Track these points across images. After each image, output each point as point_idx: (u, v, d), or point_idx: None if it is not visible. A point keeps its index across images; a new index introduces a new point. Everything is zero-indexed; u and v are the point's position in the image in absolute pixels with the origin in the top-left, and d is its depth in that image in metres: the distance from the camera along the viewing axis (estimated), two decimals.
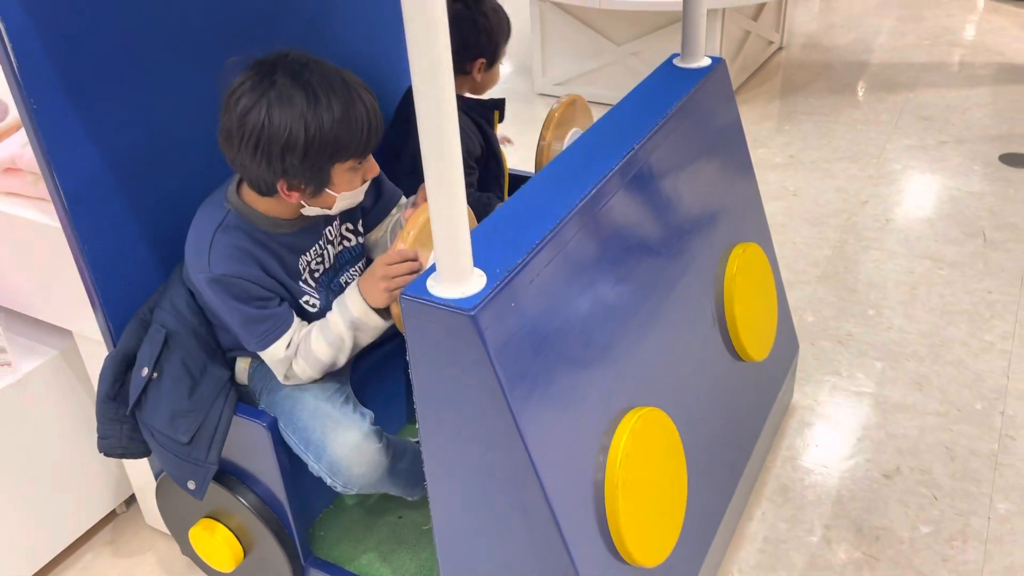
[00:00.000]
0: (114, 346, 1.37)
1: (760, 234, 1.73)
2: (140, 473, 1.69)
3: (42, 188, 1.37)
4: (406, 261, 1.21)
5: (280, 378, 1.31)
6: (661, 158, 1.40)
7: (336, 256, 1.38)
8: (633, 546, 1.18)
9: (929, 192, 2.82)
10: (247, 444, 1.37)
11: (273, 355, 1.27)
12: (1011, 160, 2.96)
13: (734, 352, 1.58)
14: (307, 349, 1.28)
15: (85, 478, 1.67)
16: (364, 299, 1.25)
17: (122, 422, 1.36)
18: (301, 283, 1.31)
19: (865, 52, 4.02)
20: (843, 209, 2.73)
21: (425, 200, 1.28)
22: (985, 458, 1.78)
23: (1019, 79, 3.61)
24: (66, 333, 1.57)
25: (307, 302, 1.32)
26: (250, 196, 1.27)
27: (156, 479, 1.53)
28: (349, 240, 1.41)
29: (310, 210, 1.26)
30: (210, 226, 1.24)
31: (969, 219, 2.63)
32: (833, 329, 2.19)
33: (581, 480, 1.15)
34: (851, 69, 3.83)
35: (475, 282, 1.02)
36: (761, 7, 3.67)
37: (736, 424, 1.61)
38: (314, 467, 1.30)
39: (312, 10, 1.60)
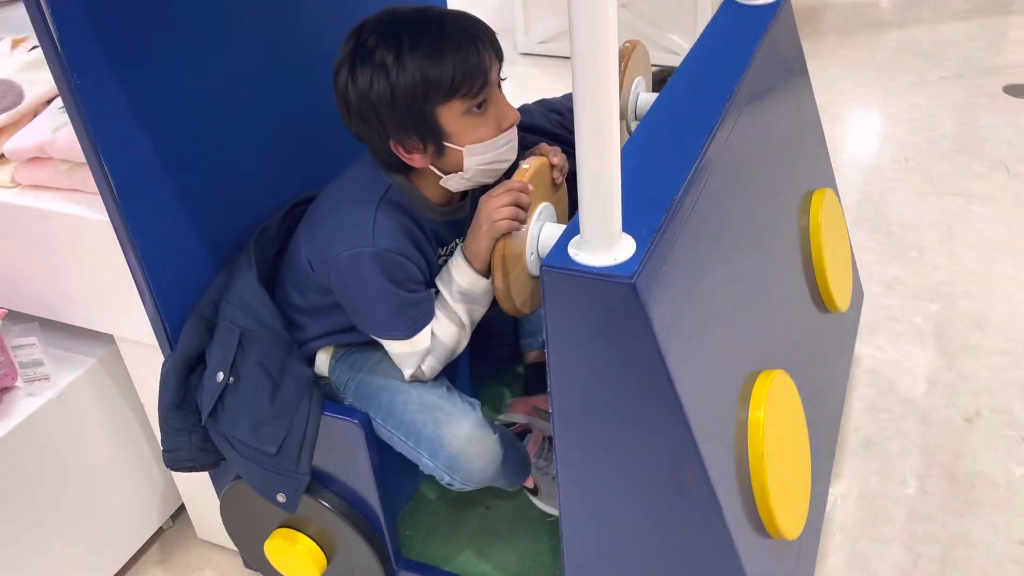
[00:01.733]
0: (171, 348, 1.24)
1: (831, 179, 1.65)
2: (188, 482, 1.56)
3: (76, 178, 1.22)
4: (510, 192, 1.07)
5: (407, 374, 1.18)
6: (753, 104, 1.30)
7: None
8: (781, 519, 1.10)
9: (941, 128, 2.77)
10: (333, 444, 1.25)
11: (417, 344, 1.14)
12: (1015, 91, 2.93)
13: (821, 305, 1.50)
14: (436, 340, 1.16)
15: (131, 495, 1.53)
16: (469, 264, 1.12)
17: (191, 432, 1.23)
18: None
19: None
20: (860, 152, 2.68)
21: (543, 154, 1.16)
22: None
23: (1005, 9, 3.59)
24: (103, 339, 1.41)
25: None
26: (409, 176, 1.14)
27: (220, 492, 1.40)
28: None
29: (451, 178, 1.12)
30: (371, 199, 1.10)
31: (988, 153, 2.60)
32: (879, 274, 2.13)
33: (728, 454, 1.06)
34: (841, 9, 3.77)
35: (625, 247, 0.91)
36: None
37: (829, 380, 1.54)
38: (428, 464, 1.18)
39: None
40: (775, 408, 1.12)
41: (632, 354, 0.93)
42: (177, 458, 1.24)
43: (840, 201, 1.68)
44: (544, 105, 1.52)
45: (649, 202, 0.99)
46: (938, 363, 1.85)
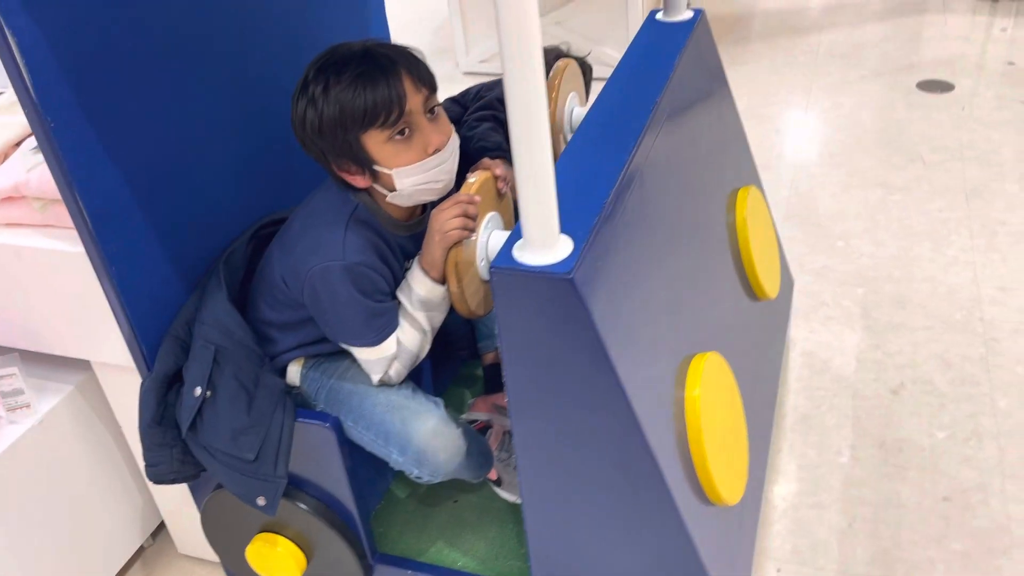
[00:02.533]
0: (148, 370, 1.31)
1: (755, 177, 1.79)
2: (168, 499, 1.63)
3: (50, 214, 1.30)
4: (458, 204, 1.17)
5: (376, 379, 1.28)
6: (677, 112, 1.43)
7: None
8: (721, 486, 1.21)
9: (862, 124, 2.95)
10: (308, 448, 1.34)
11: (384, 351, 1.24)
12: (928, 87, 3.13)
13: (752, 293, 1.63)
14: (401, 347, 1.25)
15: (112, 515, 1.59)
16: (426, 273, 1.22)
17: (171, 446, 1.31)
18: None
19: (772, 1, 4.16)
20: (787, 150, 2.84)
21: (486, 168, 1.26)
22: (977, 362, 1.90)
23: (914, 9, 3.80)
24: (80, 365, 1.48)
25: None
26: (373, 192, 1.24)
27: (200, 504, 1.47)
28: None
29: (395, 196, 1.21)
30: (340, 217, 1.20)
31: (905, 145, 2.78)
32: (810, 264, 2.28)
33: (669, 430, 1.17)
34: (763, 17, 3.96)
35: (563, 246, 1.02)
36: None
37: (764, 361, 1.66)
38: (397, 460, 1.27)
39: None
40: (709, 386, 1.24)
41: (576, 344, 1.04)
42: (159, 472, 1.32)
43: (765, 197, 1.82)
44: (478, 108, 1.60)
45: (584, 205, 1.10)
46: (866, 342, 2.00)
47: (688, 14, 1.65)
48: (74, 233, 1.21)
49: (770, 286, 1.66)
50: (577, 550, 1.26)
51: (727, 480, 1.25)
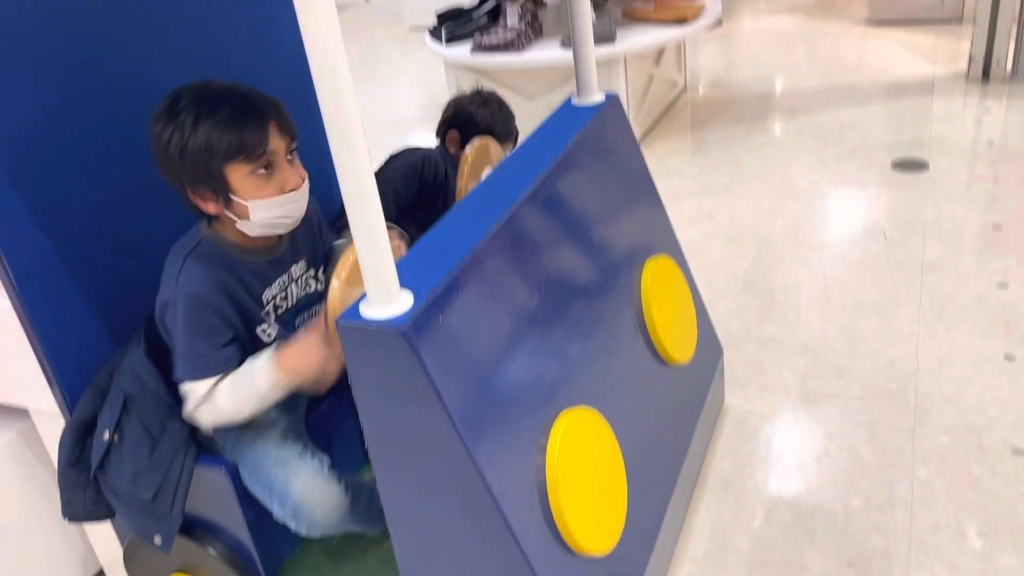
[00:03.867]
0: (70, 417, 1.44)
1: (670, 247, 1.87)
2: (107, 547, 1.73)
3: None
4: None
5: (186, 411, 1.35)
6: (566, 184, 1.54)
7: (299, 297, 1.47)
8: (580, 535, 1.27)
9: (832, 201, 3.02)
10: (210, 492, 1.44)
11: (193, 390, 1.33)
12: (901, 166, 3.19)
13: (659, 356, 1.70)
14: (213, 399, 1.33)
15: (51, 560, 1.70)
16: (278, 372, 1.30)
17: (85, 487, 1.42)
18: (263, 314, 1.40)
19: (763, 84, 4.30)
20: (756, 225, 2.92)
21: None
22: (903, 431, 1.92)
23: (902, 93, 3.89)
24: (21, 413, 1.62)
25: (264, 331, 1.41)
26: (217, 225, 1.37)
27: (123, 545, 1.57)
28: (310, 285, 1.50)
29: (245, 225, 1.33)
30: (181, 253, 1.34)
31: (870, 221, 2.84)
32: (757, 334, 2.34)
33: (525, 481, 1.24)
34: (752, 100, 4.09)
35: (403, 302, 1.12)
36: (661, 52, 3.92)
37: (670, 422, 1.72)
38: (279, 513, 1.37)
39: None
40: (574, 438, 1.31)
41: (414, 394, 1.13)
42: (74, 511, 1.43)
43: (686, 266, 1.90)
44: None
45: (435, 264, 1.21)
46: (797, 411, 2.04)
47: (600, 97, 1.78)
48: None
49: (678, 351, 1.73)
50: None
51: (589, 528, 1.30)
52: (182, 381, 1.34)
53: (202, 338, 1.32)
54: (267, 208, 1.31)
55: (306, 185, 1.36)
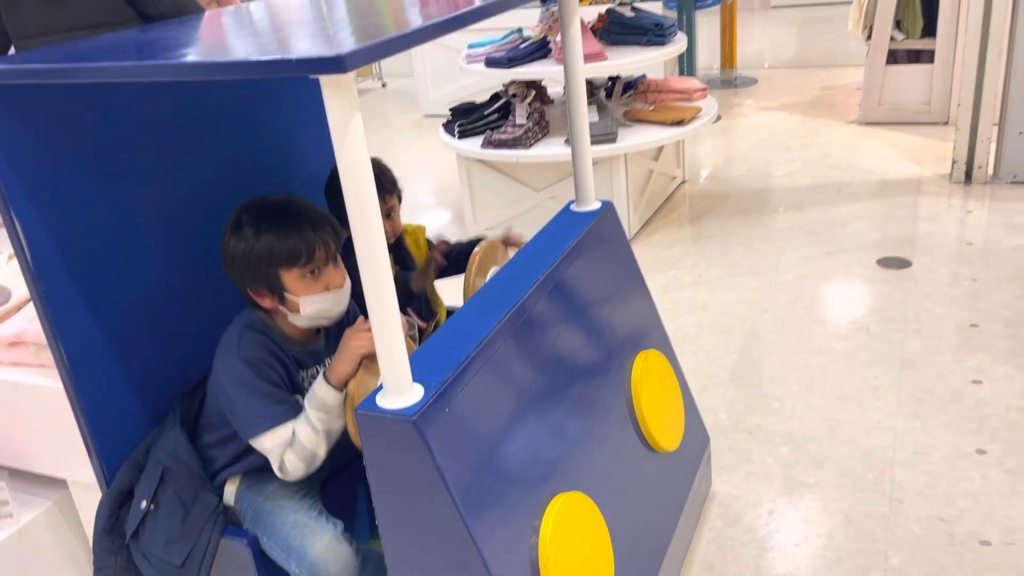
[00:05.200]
0: (108, 488, 1.58)
1: (660, 342, 2.03)
2: None
3: (44, 356, 1.62)
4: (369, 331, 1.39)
5: (275, 468, 1.49)
6: (565, 284, 1.71)
7: None
8: None
9: (819, 297, 3.19)
10: (232, 562, 1.57)
11: (278, 437, 1.47)
12: (886, 263, 3.37)
13: (647, 444, 1.84)
14: (296, 439, 1.48)
15: None
16: (328, 381, 1.46)
17: (117, 553, 1.55)
18: (298, 397, 1.55)
19: (758, 179, 4.52)
20: (746, 318, 3.08)
21: None
22: (878, 519, 2.04)
23: (889, 192, 4.10)
24: (59, 484, 1.76)
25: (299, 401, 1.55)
26: (265, 316, 1.56)
27: None
28: None
29: (295, 318, 1.54)
30: (240, 326, 1.54)
31: (854, 316, 3.00)
32: (744, 423, 2.47)
33: (520, 558, 1.37)
34: (747, 195, 4.30)
35: (415, 393, 1.28)
36: (660, 148, 4.15)
37: (656, 506, 1.85)
38: (296, 572, 1.50)
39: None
40: (566, 521, 1.44)
41: (422, 478, 1.27)
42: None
43: (674, 359, 2.06)
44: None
45: (445, 359, 1.37)
46: (780, 498, 2.16)
47: (596, 205, 1.96)
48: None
49: (666, 439, 1.87)
50: None
51: None
52: (256, 437, 1.49)
53: (269, 393, 1.49)
54: (315, 303, 1.52)
55: (347, 284, 1.55)
